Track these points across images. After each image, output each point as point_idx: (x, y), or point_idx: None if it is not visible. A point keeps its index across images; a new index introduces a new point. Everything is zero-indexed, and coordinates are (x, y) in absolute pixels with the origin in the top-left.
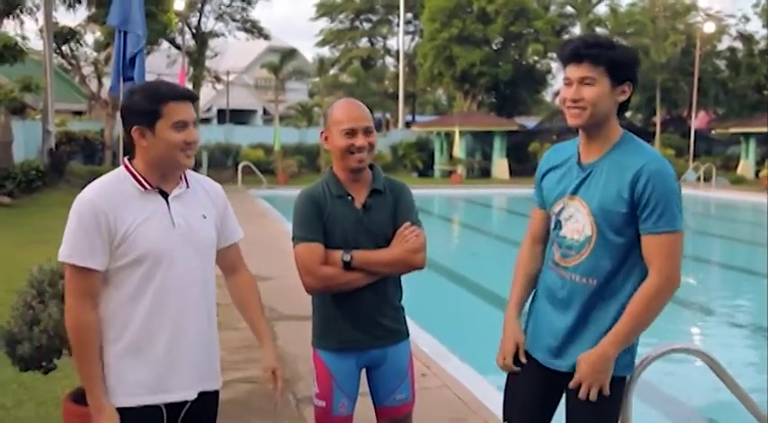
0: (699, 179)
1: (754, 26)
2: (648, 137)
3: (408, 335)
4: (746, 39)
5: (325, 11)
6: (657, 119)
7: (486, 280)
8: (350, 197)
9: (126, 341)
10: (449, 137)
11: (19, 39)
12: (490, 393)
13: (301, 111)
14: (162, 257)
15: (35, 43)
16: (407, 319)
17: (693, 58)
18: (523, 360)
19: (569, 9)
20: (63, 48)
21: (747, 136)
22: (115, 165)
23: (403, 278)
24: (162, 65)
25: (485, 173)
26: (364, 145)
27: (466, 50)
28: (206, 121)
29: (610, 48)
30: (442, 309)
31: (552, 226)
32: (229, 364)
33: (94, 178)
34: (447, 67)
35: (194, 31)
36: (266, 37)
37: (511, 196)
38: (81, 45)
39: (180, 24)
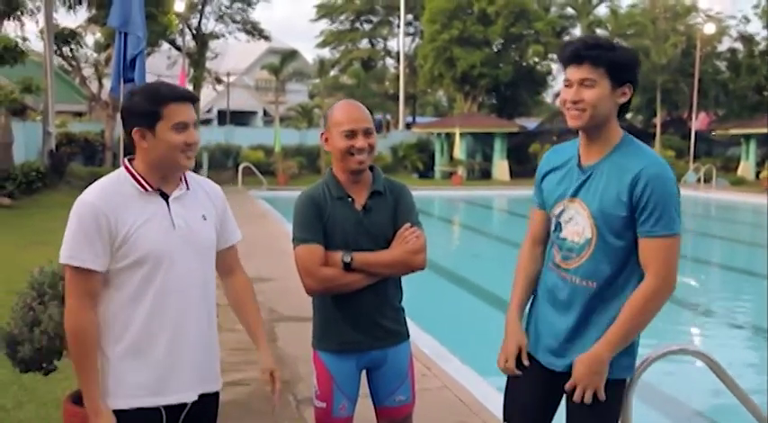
0: (699, 180)
1: (755, 27)
2: (649, 138)
3: (409, 336)
4: (747, 40)
5: (325, 12)
6: (658, 120)
7: (487, 281)
8: (350, 198)
9: (126, 343)
10: (449, 138)
11: (19, 40)
12: (491, 395)
13: (302, 112)
14: (162, 259)
15: (35, 44)
16: (408, 320)
17: (694, 60)
18: (526, 362)
19: (570, 10)
20: (63, 49)
21: (748, 137)
22: (115, 166)
23: (403, 279)
24: (162, 66)
25: (485, 174)
26: (364, 146)
27: (466, 52)
28: (206, 122)
29: (610, 49)
30: (443, 310)
31: (552, 228)
32: (229, 366)
33: (95, 179)
34: (447, 69)
35: (195, 32)
36: (267, 38)
37: (511, 198)
38: (81, 46)
39: (180, 26)
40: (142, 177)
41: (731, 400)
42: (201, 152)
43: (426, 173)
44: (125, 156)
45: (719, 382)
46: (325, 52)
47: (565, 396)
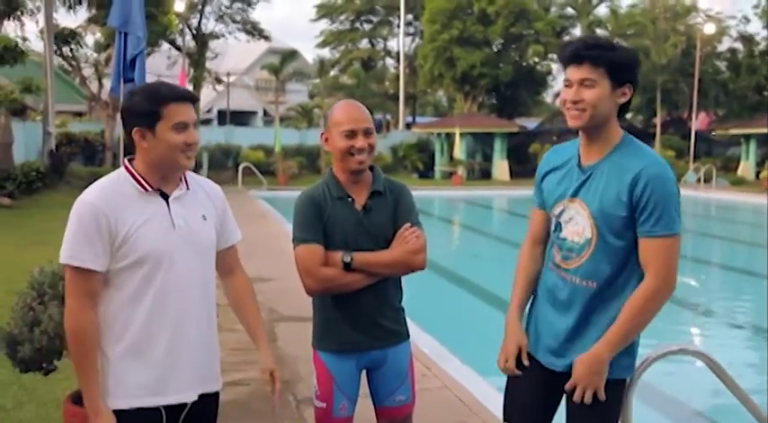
0: (699, 180)
1: (755, 27)
2: (649, 138)
3: (409, 336)
4: (747, 40)
5: (325, 12)
6: (658, 120)
7: (487, 281)
8: (350, 199)
9: (126, 343)
10: (449, 138)
11: (19, 40)
12: (491, 395)
13: (302, 112)
14: (162, 259)
15: (35, 44)
16: (408, 320)
17: (694, 60)
18: (526, 362)
19: (570, 10)
20: (63, 49)
21: (748, 137)
22: (115, 166)
23: (403, 279)
24: (162, 66)
25: (485, 174)
26: (364, 146)
27: (466, 52)
28: (206, 122)
29: (610, 49)
30: (443, 310)
31: (552, 228)
32: (229, 366)
33: (95, 179)
34: (447, 69)
35: (195, 32)
36: (267, 38)
37: (511, 198)
38: (81, 46)
39: (180, 26)
40: (142, 177)
41: (731, 401)
42: (201, 152)
43: (426, 173)
44: (125, 156)
45: (719, 383)
46: (325, 52)
47: (565, 396)
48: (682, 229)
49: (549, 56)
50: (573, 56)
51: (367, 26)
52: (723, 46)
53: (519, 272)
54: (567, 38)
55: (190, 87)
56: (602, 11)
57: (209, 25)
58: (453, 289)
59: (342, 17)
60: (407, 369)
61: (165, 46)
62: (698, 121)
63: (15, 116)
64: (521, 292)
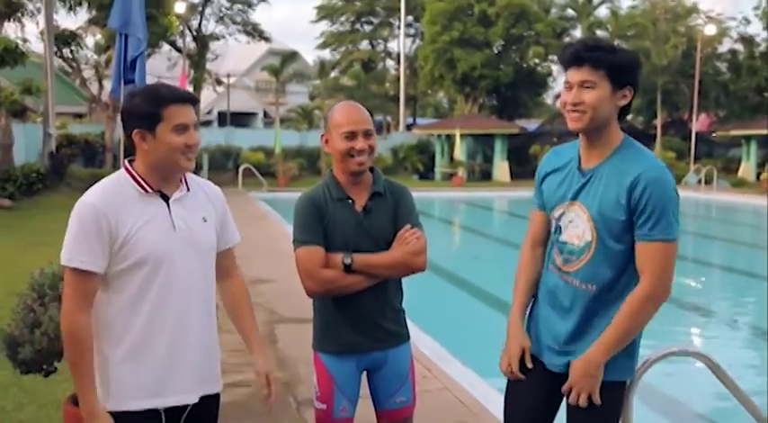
0: (700, 182)
1: (755, 28)
2: (649, 140)
3: (409, 337)
4: (747, 41)
5: (325, 13)
6: (658, 121)
7: (487, 283)
8: (350, 200)
9: (127, 345)
10: (449, 139)
11: (20, 41)
12: (491, 396)
13: (302, 113)
14: (163, 260)
15: (36, 46)
16: (408, 321)
17: (694, 61)
18: (530, 365)
19: (570, 12)
20: (64, 50)
21: (748, 138)
22: (116, 168)
23: (404, 281)
24: (163, 68)
25: (485, 175)
26: (364, 148)
27: (467, 53)
28: (207, 123)
29: (610, 51)
30: (443, 311)
31: (553, 230)
32: (230, 367)
33: (95, 181)
34: (448, 70)
35: (195, 33)
36: (267, 39)
37: (512, 199)
38: (82, 48)
39: (180, 27)
40: (142, 179)
41: (732, 402)
42: (202, 153)
43: (427, 174)
44: (125, 157)
45: (720, 384)
46: (326, 54)
47: (565, 398)
48: (682, 231)
49: (550, 57)
50: (573, 58)
51: (367, 27)
52: (724, 47)
53: (520, 274)
54: (567, 39)
55: (190, 89)
56: (602, 12)
57: (210, 27)
58: (454, 290)
59: (342, 18)
60: (408, 370)
61: (166, 47)
62: (698, 123)
63: (16, 118)
64: (522, 294)
